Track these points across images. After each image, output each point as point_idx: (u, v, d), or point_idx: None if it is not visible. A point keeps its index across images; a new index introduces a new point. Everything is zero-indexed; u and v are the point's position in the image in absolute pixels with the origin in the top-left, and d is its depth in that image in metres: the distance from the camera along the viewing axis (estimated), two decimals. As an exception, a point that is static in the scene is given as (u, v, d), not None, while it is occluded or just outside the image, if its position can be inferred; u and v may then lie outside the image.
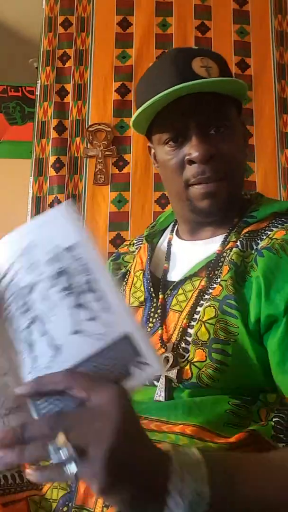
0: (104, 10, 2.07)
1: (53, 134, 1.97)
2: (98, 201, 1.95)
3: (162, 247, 0.85)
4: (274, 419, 0.63)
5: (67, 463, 0.38)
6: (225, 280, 0.68)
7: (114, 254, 0.94)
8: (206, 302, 0.69)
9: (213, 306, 0.67)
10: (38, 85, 2.03)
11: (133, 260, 0.87)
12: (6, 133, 2.36)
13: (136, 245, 0.92)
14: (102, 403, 0.40)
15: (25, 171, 2.04)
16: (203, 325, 0.67)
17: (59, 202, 1.93)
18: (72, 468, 0.38)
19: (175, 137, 0.72)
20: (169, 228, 0.89)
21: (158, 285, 0.78)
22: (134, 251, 0.90)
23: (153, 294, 0.77)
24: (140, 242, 0.90)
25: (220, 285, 0.68)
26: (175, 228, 0.87)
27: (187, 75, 0.69)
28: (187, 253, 0.79)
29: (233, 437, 0.60)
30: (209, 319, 0.67)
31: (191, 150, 0.71)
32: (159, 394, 0.66)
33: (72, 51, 2.04)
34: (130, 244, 0.94)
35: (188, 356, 0.67)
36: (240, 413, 0.62)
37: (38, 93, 2.03)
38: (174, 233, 0.86)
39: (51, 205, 1.94)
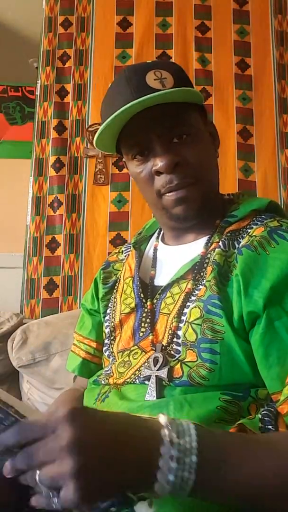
0: (104, 10, 2.07)
1: (53, 134, 1.97)
2: (98, 201, 1.95)
3: (149, 254, 0.87)
4: (262, 412, 0.64)
5: (51, 495, 0.43)
6: (209, 281, 0.70)
7: (104, 263, 0.95)
8: (192, 304, 0.70)
9: (198, 307, 0.69)
10: (38, 85, 2.03)
11: (123, 268, 0.89)
12: (6, 133, 2.36)
13: (125, 253, 0.93)
14: (54, 434, 0.43)
15: (25, 171, 2.04)
16: (190, 326, 0.68)
17: (59, 202, 1.93)
18: (56, 500, 0.42)
19: (140, 151, 0.74)
20: (155, 235, 0.91)
21: (147, 290, 0.79)
22: (123, 259, 0.92)
23: (144, 300, 0.78)
24: (129, 250, 0.92)
25: (205, 286, 0.70)
26: (161, 234, 0.89)
27: (142, 90, 0.70)
28: (173, 258, 0.80)
29: None
30: (195, 320, 0.68)
31: (157, 161, 0.72)
32: (150, 394, 0.67)
33: (72, 51, 2.04)
34: (119, 252, 0.96)
35: (180, 356, 0.68)
36: (231, 410, 0.63)
37: (38, 93, 2.03)
38: (159, 240, 0.88)
39: (51, 205, 1.94)
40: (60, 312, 1.83)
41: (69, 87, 2.01)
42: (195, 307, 0.69)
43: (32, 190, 1.96)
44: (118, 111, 0.69)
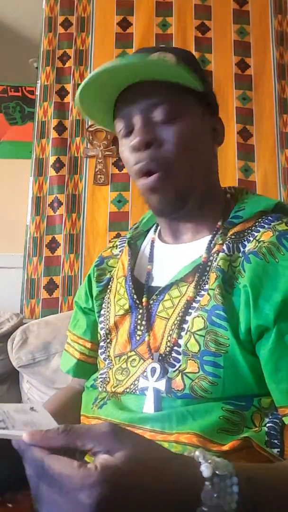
0: (104, 10, 2.07)
1: (53, 134, 1.97)
2: (98, 201, 1.95)
3: (146, 251, 0.83)
4: (267, 425, 0.62)
5: None
6: (213, 289, 0.66)
7: (97, 259, 0.90)
8: (195, 312, 0.67)
9: (202, 317, 0.65)
10: (38, 85, 2.03)
11: (117, 265, 0.85)
12: (6, 133, 2.36)
13: (119, 247, 0.89)
14: (75, 492, 0.39)
15: (25, 171, 2.04)
16: (192, 336, 0.65)
17: (59, 202, 1.93)
18: None
19: (126, 128, 0.72)
20: (152, 229, 0.87)
21: (142, 290, 0.76)
22: (117, 255, 0.87)
23: (137, 302, 0.74)
24: (123, 245, 0.87)
25: (208, 294, 0.66)
26: (158, 229, 0.85)
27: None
28: (171, 257, 0.77)
29: (227, 445, 0.59)
30: (198, 330, 0.65)
31: (133, 136, 0.70)
32: (148, 406, 0.65)
33: (72, 51, 2.04)
34: (113, 246, 0.91)
35: (180, 366, 0.65)
36: (233, 419, 0.61)
37: (38, 93, 2.03)
38: (156, 234, 0.84)
39: (51, 205, 1.94)
40: (60, 312, 1.83)
41: (69, 87, 2.01)
42: (198, 316, 0.66)
43: (32, 190, 1.96)
44: (94, 72, 0.66)
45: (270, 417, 0.63)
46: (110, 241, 0.95)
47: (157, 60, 0.69)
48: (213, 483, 0.42)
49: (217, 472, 0.43)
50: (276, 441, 0.60)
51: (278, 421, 0.62)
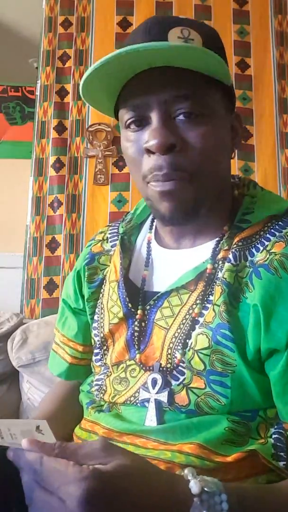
0: (104, 10, 2.07)
1: (53, 134, 1.97)
2: (98, 201, 1.95)
3: (142, 251, 0.75)
4: (273, 436, 0.60)
5: None
6: (218, 305, 0.61)
7: (87, 255, 0.80)
8: (199, 328, 0.62)
9: (206, 335, 0.61)
10: (38, 85, 2.03)
11: (110, 263, 0.77)
12: (6, 133, 2.36)
13: (111, 241, 0.79)
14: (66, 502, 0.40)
15: (25, 171, 2.04)
16: (196, 355, 0.62)
17: (59, 202, 1.93)
18: None
19: (136, 119, 0.59)
20: (148, 223, 0.78)
21: (138, 296, 0.70)
22: (109, 250, 0.78)
23: (133, 310, 0.69)
24: (115, 239, 0.78)
25: (213, 310, 0.62)
26: (154, 225, 0.76)
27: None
28: (171, 262, 0.70)
29: (231, 456, 0.58)
30: (202, 349, 0.61)
31: (150, 136, 0.58)
32: (150, 419, 0.62)
33: (72, 51, 2.04)
34: (103, 239, 0.80)
35: (184, 379, 0.62)
36: (239, 430, 0.60)
37: (38, 93, 2.03)
38: (153, 234, 0.75)
39: (51, 205, 1.94)
40: (60, 312, 1.83)
41: (69, 87, 2.01)
42: (202, 334, 0.62)
43: (32, 190, 1.96)
44: (107, 56, 0.53)
45: (276, 427, 0.62)
46: (99, 232, 0.85)
47: (184, 47, 0.55)
48: (202, 500, 0.43)
49: (205, 489, 0.44)
50: (282, 454, 0.59)
51: (283, 431, 0.61)
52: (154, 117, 0.58)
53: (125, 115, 0.61)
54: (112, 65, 0.55)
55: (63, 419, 0.77)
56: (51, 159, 1.96)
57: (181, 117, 0.58)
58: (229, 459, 0.58)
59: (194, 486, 0.44)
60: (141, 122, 0.60)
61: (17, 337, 1.54)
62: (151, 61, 0.56)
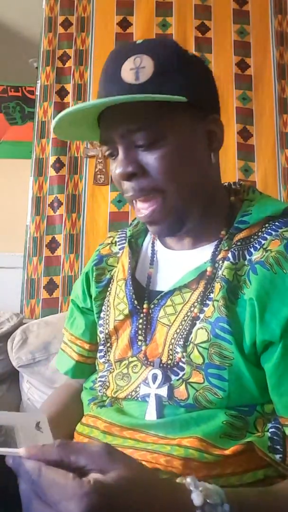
0: (104, 10, 2.07)
1: (53, 134, 1.97)
2: (98, 201, 1.95)
3: (148, 252, 0.80)
4: (270, 430, 0.62)
5: None
6: (217, 300, 0.64)
7: (96, 258, 0.86)
8: (199, 323, 0.65)
9: (205, 329, 0.64)
10: (38, 85, 2.03)
11: (117, 264, 0.81)
12: (6, 133, 2.36)
13: (119, 244, 0.84)
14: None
15: (25, 171, 2.04)
16: (195, 348, 0.64)
17: (59, 202, 1.93)
18: None
19: (110, 152, 0.67)
20: None
21: (143, 295, 0.74)
22: (117, 253, 0.83)
23: (138, 307, 0.72)
24: (123, 242, 0.83)
25: (213, 305, 0.65)
26: None
27: (112, 81, 0.63)
28: (174, 263, 0.74)
29: (229, 449, 0.59)
30: (201, 343, 0.64)
31: (117, 165, 0.65)
32: (150, 413, 0.64)
33: (72, 51, 2.04)
34: (112, 243, 0.86)
35: (184, 374, 0.64)
36: (236, 424, 0.61)
37: (38, 93, 2.03)
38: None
39: (51, 205, 1.94)
40: (60, 312, 1.83)
41: (69, 87, 2.01)
42: (202, 328, 0.64)
43: (32, 190, 1.96)
44: (63, 113, 0.63)
45: (273, 422, 0.63)
46: (108, 236, 0.91)
47: (128, 98, 0.61)
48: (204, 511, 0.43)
49: (208, 500, 0.44)
50: (278, 447, 0.60)
51: (280, 426, 0.62)
52: (119, 148, 0.65)
53: (102, 147, 0.69)
54: (75, 114, 0.63)
55: (65, 421, 0.78)
56: (51, 159, 1.96)
57: (139, 146, 0.64)
58: (227, 452, 0.59)
59: (196, 498, 0.44)
60: (113, 153, 0.67)
61: (17, 337, 1.54)
62: (106, 104, 0.64)
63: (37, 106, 2.02)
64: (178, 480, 0.48)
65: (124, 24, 2.07)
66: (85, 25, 2.07)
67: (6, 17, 2.50)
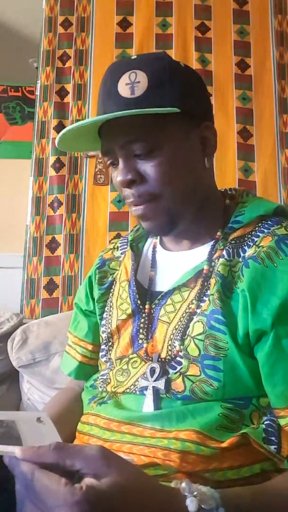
0: (104, 10, 2.07)
1: (53, 134, 1.97)
2: (98, 201, 1.95)
3: (148, 255, 0.84)
4: (265, 422, 0.63)
5: None
6: (213, 294, 0.67)
7: (98, 261, 0.90)
8: (196, 317, 0.68)
9: (201, 322, 0.67)
10: (38, 85, 2.03)
11: (119, 268, 0.85)
12: (6, 133, 2.36)
13: (121, 249, 0.89)
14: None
15: (25, 171, 2.04)
16: (192, 341, 0.67)
17: (59, 202, 1.93)
18: None
19: (111, 161, 0.72)
20: None
21: (145, 295, 0.77)
22: (119, 257, 0.87)
23: (141, 306, 0.76)
24: (125, 247, 0.88)
25: (209, 300, 0.68)
26: None
27: (110, 96, 0.68)
28: (173, 263, 0.78)
29: (225, 442, 0.60)
30: (197, 335, 0.66)
31: (117, 174, 0.70)
32: (148, 405, 0.66)
33: (72, 51, 2.04)
34: (114, 248, 0.91)
35: (181, 368, 0.66)
36: (232, 417, 0.63)
37: (38, 93, 2.03)
38: (158, 239, 0.84)
39: (51, 205, 1.94)
40: (60, 312, 1.83)
41: (69, 87, 2.01)
42: (198, 321, 0.67)
43: (32, 190, 1.96)
44: (66, 129, 0.69)
45: (268, 415, 0.64)
46: (110, 242, 0.95)
47: (124, 113, 0.65)
48: None
49: (203, 506, 0.44)
50: (273, 438, 0.62)
51: (275, 419, 0.63)
52: (119, 158, 0.70)
53: (104, 157, 0.74)
54: (76, 129, 0.69)
55: (66, 423, 0.79)
56: (51, 159, 1.96)
57: (137, 152, 0.68)
58: (223, 445, 0.60)
59: (191, 504, 0.44)
60: (114, 162, 0.72)
61: (17, 337, 1.54)
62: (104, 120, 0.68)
63: (37, 106, 2.02)
64: (173, 484, 0.48)
65: (124, 24, 2.07)
66: (85, 25, 2.07)
67: (6, 17, 2.50)
